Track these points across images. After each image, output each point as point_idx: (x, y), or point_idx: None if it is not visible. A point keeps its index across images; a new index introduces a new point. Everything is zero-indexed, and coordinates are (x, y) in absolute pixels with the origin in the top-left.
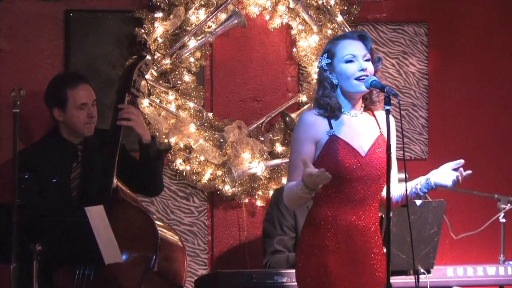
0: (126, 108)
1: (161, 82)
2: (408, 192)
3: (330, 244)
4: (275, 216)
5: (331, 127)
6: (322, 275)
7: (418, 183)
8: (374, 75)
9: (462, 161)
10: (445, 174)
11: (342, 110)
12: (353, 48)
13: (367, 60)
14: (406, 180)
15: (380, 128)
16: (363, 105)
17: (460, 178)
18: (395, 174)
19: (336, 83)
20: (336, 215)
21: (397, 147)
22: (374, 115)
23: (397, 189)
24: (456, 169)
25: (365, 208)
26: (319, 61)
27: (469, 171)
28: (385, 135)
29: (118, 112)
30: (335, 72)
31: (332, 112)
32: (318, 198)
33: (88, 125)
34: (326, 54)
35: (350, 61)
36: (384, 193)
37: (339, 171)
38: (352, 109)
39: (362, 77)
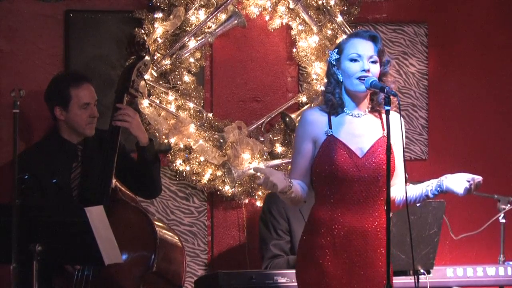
0: (123, 109)
1: (161, 82)
2: (419, 194)
3: (327, 245)
4: (268, 220)
5: (330, 127)
6: (320, 275)
7: (430, 184)
8: (382, 77)
9: (480, 178)
10: (459, 182)
11: (345, 109)
12: (360, 48)
13: (373, 62)
14: (406, 180)
15: (384, 130)
16: (370, 106)
17: (472, 187)
18: (402, 174)
19: (341, 80)
20: (333, 216)
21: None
22: (380, 117)
23: (408, 190)
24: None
25: (364, 210)
26: (330, 55)
27: (480, 179)
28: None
29: (116, 112)
30: (341, 69)
31: (333, 109)
32: (317, 199)
33: (90, 125)
34: (337, 49)
35: (355, 60)
36: (395, 194)
37: (334, 172)
38: (356, 109)
39: (363, 78)
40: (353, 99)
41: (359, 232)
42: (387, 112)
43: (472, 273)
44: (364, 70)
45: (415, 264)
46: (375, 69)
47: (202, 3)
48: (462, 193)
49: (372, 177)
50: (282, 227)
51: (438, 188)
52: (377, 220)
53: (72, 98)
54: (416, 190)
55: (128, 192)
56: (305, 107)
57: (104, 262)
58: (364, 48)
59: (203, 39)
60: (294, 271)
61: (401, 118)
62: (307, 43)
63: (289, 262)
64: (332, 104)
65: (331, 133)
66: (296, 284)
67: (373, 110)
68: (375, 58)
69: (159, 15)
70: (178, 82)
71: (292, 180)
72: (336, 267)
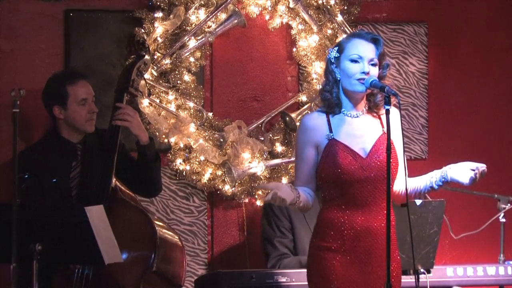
0: (123, 108)
1: (161, 82)
2: (423, 185)
3: (336, 246)
4: (271, 218)
5: (330, 130)
6: (329, 276)
7: (434, 176)
8: (380, 80)
9: (485, 166)
10: (463, 171)
11: (342, 110)
12: (362, 49)
13: (373, 65)
14: (406, 180)
15: (383, 128)
16: (367, 106)
17: (477, 176)
18: (405, 170)
19: (338, 79)
20: (342, 218)
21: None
22: (379, 116)
23: (410, 183)
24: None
25: (373, 210)
26: (329, 52)
27: (484, 167)
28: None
29: (116, 111)
30: (340, 68)
31: (330, 108)
32: (325, 201)
33: (90, 121)
34: (337, 47)
35: (355, 61)
36: (396, 187)
37: (340, 175)
38: (354, 109)
39: (362, 79)
40: (350, 100)
41: (368, 232)
42: (387, 112)
43: (472, 273)
44: (364, 73)
45: (415, 263)
46: (374, 71)
47: (202, 2)
48: (468, 183)
49: (378, 175)
50: (285, 225)
51: (443, 179)
52: (386, 219)
53: (69, 95)
54: (421, 182)
55: (128, 191)
56: (305, 106)
57: (104, 262)
58: (366, 50)
59: (203, 39)
60: (294, 270)
61: (399, 110)
62: (307, 42)
63: (301, 263)
64: (329, 103)
65: (332, 136)
66: (296, 283)
67: (370, 110)
68: (376, 61)
69: (159, 14)
70: (178, 82)
71: (298, 189)
72: (347, 269)
